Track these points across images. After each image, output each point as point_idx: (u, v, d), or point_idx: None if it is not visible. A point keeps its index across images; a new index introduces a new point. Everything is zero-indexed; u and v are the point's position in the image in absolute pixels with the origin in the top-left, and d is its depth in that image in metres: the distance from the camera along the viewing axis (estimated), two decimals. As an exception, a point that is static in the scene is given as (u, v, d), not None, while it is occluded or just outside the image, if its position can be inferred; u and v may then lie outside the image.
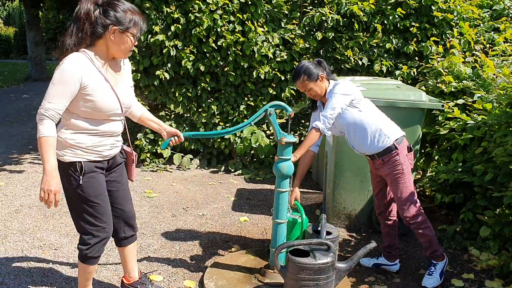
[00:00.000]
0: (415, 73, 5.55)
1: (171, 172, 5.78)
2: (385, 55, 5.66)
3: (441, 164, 4.29)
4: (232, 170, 5.87)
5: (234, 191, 5.13)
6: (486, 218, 3.57)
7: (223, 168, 5.93)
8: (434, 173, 4.71)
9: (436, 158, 4.69)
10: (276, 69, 5.71)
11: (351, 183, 4.07)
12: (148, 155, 5.94)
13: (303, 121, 6.49)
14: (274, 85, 5.80)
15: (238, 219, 4.33)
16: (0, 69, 18.81)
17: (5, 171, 5.59)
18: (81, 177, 2.47)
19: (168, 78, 5.71)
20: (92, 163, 2.52)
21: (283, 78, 5.72)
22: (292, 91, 5.79)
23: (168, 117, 6.11)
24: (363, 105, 3.14)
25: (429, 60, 5.37)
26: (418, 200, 3.16)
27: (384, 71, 5.56)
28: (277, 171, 3.01)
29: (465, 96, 4.25)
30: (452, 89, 4.44)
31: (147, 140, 5.91)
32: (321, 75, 3.14)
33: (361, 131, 3.12)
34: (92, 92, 2.38)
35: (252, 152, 5.91)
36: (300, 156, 3.13)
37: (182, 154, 5.99)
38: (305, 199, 4.96)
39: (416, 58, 5.65)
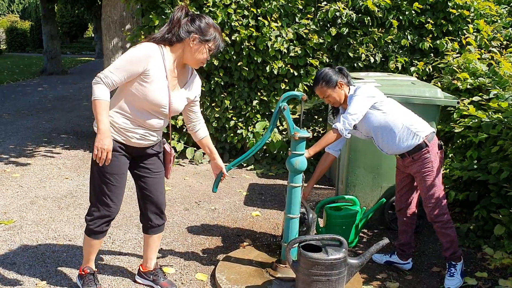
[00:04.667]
0: (430, 70, 5.49)
1: (183, 166, 5.81)
2: (400, 52, 5.61)
3: (455, 162, 4.25)
4: (245, 165, 5.88)
5: (246, 186, 5.14)
6: (500, 216, 3.54)
7: (235, 163, 5.93)
8: (448, 170, 4.67)
9: (450, 156, 4.65)
10: (289, 64, 5.69)
11: (364, 179, 4.06)
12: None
13: (316, 116, 6.48)
14: (287, 80, 5.79)
15: (250, 214, 4.34)
16: (16, 63, 19.04)
17: (21, 163, 5.67)
18: None
19: (181, 73, 5.72)
20: (117, 143, 2.61)
21: (296, 73, 5.71)
22: (306, 87, 5.77)
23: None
24: (387, 106, 3.11)
25: (445, 57, 5.32)
26: (445, 200, 3.14)
27: (399, 68, 5.52)
28: (290, 166, 3.01)
29: (480, 93, 4.21)
30: (468, 86, 4.39)
31: (160, 134, 5.93)
32: (340, 81, 3.14)
33: (389, 132, 3.10)
34: (149, 80, 2.50)
35: (265, 147, 5.91)
36: (314, 153, 3.12)
37: (195, 149, 6.01)
38: (317, 195, 4.95)
39: (432, 55, 5.60)
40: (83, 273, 2.88)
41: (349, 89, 3.19)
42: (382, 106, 3.10)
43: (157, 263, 3.02)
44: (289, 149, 3.04)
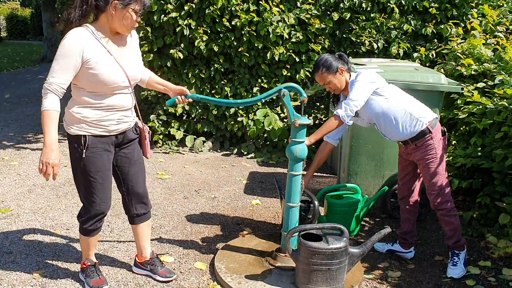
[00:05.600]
0: (434, 56, 5.40)
1: (183, 154, 5.75)
2: (403, 37, 5.51)
3: (459, 149, 4.18)
4: (245, 153, 5.82)
5: (246, 174, 5.09)
6: (505, 204, 3.47)
7: (235, 151, 5.87)
8: (451, 157, 4.60)
9: (453, 143, 4.57)
10: (291, 50, 5.60)
11: (366, 167, 4.00)
12: (161, 137, 5.91)
13: (318, 103, 6.39)
14: (288, 67, 5.70)
15: (250, 202, 4.29)
16: (17, 50, 18.94)
17: (19, 150, 5.62)
18: (84, 150, 2.51)
19: (181, 59, 5.64)
20: (97, 138, 2.54)
21: (298, 59, 5.62)
22: (307, 73, 5.69)
23: (181, 98, 6.04)
24: (389, 91, 3.04)
25: (449, 42, 5.22)
26: (449, 187, 3.08)
27: (401, 54, 5.42)
28: (290, 154, 2.94)
29: (485, 79, 4.12)
30: (472, 72, 4.30)
31: (160, 122, 5.87)
32: (340, 67, 3.06)
33: (391, 119, 3.03)
34: (94, 65, 2.40)
35: (265, 135, 5.84)
36: (315, 141, 3.06)
37: (195, 137, 5.95)
38: (319, 183, 4.90)
39: (435, 40, 5.49)
40: (84, 266, 2.83)
41: (350, 75, 3.12)
42: (384, 91, 3.03)
43: (153, 252, 2.98)
44: (290, 136, 2.97)
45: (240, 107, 5.79)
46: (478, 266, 3.22)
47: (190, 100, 2.84)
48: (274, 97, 5.70)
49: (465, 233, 3.72)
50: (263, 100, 3.00)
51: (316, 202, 3.08)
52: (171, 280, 2.90)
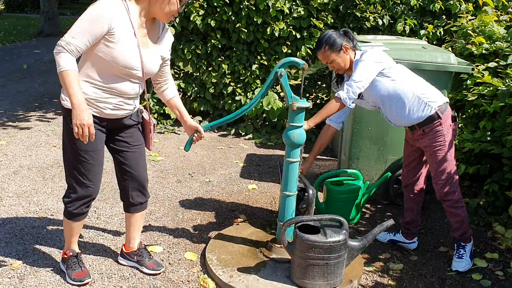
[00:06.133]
0: (442, 33, 5.13)
1: (179, 134, 5.54)
2: (409, 13, 5.23)
3: (466, 133, 3.96)
4: (243, 133, 5.61)
5: (243, 157, 4.88)
6: (515, 193, 3.28)
7: (233, 131, 5.66)
8: (457, 141, 4.38)
9: (461, 126, 4.35)
10: (291, 26, 5.33)
11: (368, 151, 3.79)
12: (156, 116, 5.69)
13: (319, 82, 6.15)
14: (289, 43, 5.43)
15: (246, 187, 4.09)
16: (14, 24, 18.56)
17: (8, 129, 5.40)
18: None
19: (176, 34, 5.38)
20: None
21: (299, 35, 5.35)
22: (309, 50, 5.42)
23: (177, 76, 5.81)
24: (396, 72, 2.81)
25: (458, 19, 4.94)
26: (457, 176, 2.88)
27: (407, 31, 5.15)
28: (287, 139, 2.73)
29: (497, 59, 3.87)
30: (483, 51, 4.05)
31: (155, 100, 5.65)
32: (345, 45, 2.83)
33: (398, 102, 2.82)
34: (116, 39, 2.22)
35: (264, 115, 5.62)
36: (314, 125, 2.85)
37: (191, 116, 5.71)
38: (318, 167, 4.70)
39: (444, 17, 5.21)
40: (65, 256, 2.67)
41: (355, 54, 2.88)
42: (390, 72, 2.80)
43: (141, 243, 2.80)
44: (287, 120, 2.76)
45: (238, 85, 5.55)
46: (484, 259, 3.05)
47: (203, 135, 2.72)
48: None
49: (471, 222, 3.53)
50: (267, 92, 2.80)
51: (311, 191, 2.88)
52: (159, 273, 2.72)
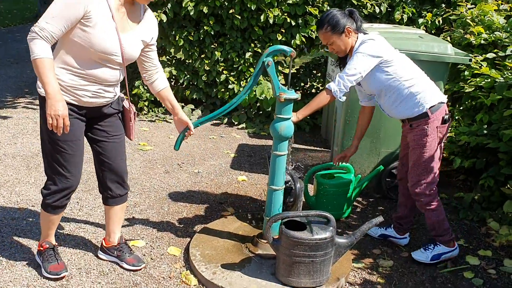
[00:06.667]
0: (440, 22, 4.99)
1: (170, 123, 5.42)
2: (408, 1, 5.09)
3: (463, 125, 3.86)
4: (236, 123, 5.49)
5: (235, 147, 4.77)
6: (510, 188, 3.18)
7: (225, 120, 5.54)
8: (454, 134, 4.28)
9: (457, 118, 4.24)
10: (286, 13, 5.19)
11: (361, 144, 3.64)
12: (147, 103, 5.57)
13: (314, 71, 6.02)
14: (283, 31, 5.29)
15: (236, 178, 3.99)
16: (10, 7, 18.30)
17: (-7, 116, 5.28)
18: None
19: (168, 20, 5.24)
20: (68, 105, 2.21)
21: (293, 23, 5.20)
22: (303, 38, 5.29)
23: (169, 63, 5.68)
24: (394, 67, 2.66)
25: (457, 7, 4.80)
26: (432, 178, 2.75)
27: (405, 19, 5.01)
28: (274, 131, 2.63)
29: (496, 50, 3.75)
30: (482, 41, 3.93)
31: (146, 88, 5.51)
32: (348, 27, 2.66)
33: (392, 95, 2.71)
34: (92, 23, 2.10)
35: (258, 104, 5.50)
36: (303, 117, 2.72)
37: (183, 104, 5.61)
38: (311, 158, 4.60)
39: (443, 5, 5.07)
40: (41, 248, 2.58)
41: (357, 37, 2.72)
42: (388, 67, 2.66)
43: (121, 237, 2.71)
44: (274, 112, 2.65)
45: (231, 73, 5.42)
46: (477, 256, 2.96)
47: (193, 132, 2.66)
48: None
49: (465, 217, 3.45)
50: (256, 83, 2.68)
51: (298, 185, 2.78)
52: (139, 269, 2.63)
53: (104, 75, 2.26)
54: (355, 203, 3.61)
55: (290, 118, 2.62)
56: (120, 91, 2.51)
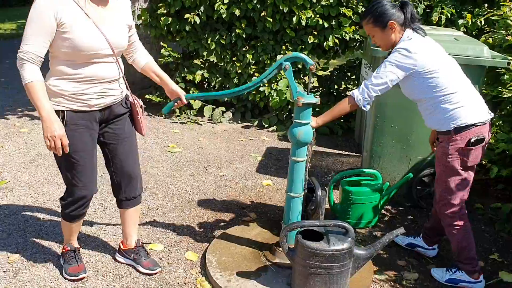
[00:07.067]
0: (482, 23, 4.75)
1: (201, 125, 5.43)
2: (447, 1, 4.87)
3: (502, 132, 3.64)
4: (266, 125, 5.43)
5: (263, 150, 4.71)
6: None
7: (256, 122, 5.49)
8: (493, 140, 4.06)
9: (497, 124, 4.01)
10: (319, 15, 5.08)
11: (390, 149, 3.54)
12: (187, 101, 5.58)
13: (349, 74, 5.88)
14: (316, 33, 5.19)
15: (261, 183, 3.93)
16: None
17: (32, 117, 5.42)
18: None
19: (201, 23, 5.24)
20: (76, 114, 2.25)
21: (327, 25, 5.09)
22: (337, 40, 5.17)
23: (202, 65, 5.69)
24: (434, 76, 2.42)
25: (501, 7, 4.55)
26: (456, 201, 2.55)
27: (444, 21, 4.80)
28: (292, 137, 2.55)
29: (539, 52, 3.52)
30: (524, 43, 3.70)
31: (178, 90, 5.54)
32: (392, 22, 2.45)
33: (423, 104, 2.56)
34: (69, 28, 2.10)
35: (290, 106, 5.42)
36: (323, 123, 2.62)
37: (214, 106, 5.60)
38: (341, 163, 4.48)
39: (485, 5, 4.82)
40: (64, 250, 2.63)
41: (403, 34, 2.48)
42: (426, 77, 2.43)
43: (138, 240, 2.70)
44: (293, 117, 2.57)
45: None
46: (512, 273, 2.77)
47: (185, 102, 2.58)
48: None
49: (501, 230, 3.26)
50: (265, 81, 2.60)
51: (319, 192, 2.69)
52: (155, 273, 2.62)
53: (103, 72, 2.26)
54: (383, 212, 3.48)
55: (309, 123, 2.53)
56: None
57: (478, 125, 2.45)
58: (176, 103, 2.57)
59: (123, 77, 2.42)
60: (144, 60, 2.54)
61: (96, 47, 2.18)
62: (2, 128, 4.96)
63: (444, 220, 2.64)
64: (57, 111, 2.21)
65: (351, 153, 4.77)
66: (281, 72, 2.57)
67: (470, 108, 2.46)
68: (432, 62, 2.44)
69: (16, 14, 15.12)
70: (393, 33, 2.49)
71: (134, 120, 2.53)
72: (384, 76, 2.45)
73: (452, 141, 2.47)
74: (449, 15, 4.81)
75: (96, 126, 2.37)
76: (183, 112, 5.65)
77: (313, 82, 5.81)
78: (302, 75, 5.53)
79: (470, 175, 2.53)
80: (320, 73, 5.79)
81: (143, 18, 5.50)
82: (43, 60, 2.15)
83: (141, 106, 2.52)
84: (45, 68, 2.12)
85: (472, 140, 2.44)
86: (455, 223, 2.59)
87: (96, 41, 2.18)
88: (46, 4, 2.08)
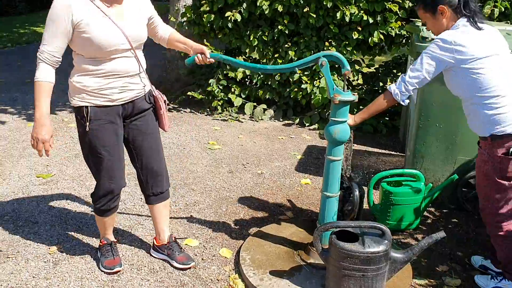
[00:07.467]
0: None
1: (242, 122, 5.43)
2: (502, -7, 4.64)
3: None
4: (307, 124, 5.36)
5: (303, 148, 4.65)
6: None
7: (297, 120, 5.43)
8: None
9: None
10: (364, 10, 4.95)
11: (434, 149, 3.40)
12: (221, 103, 5.62)
13: (394, 70, 5.71)
14: (360, 29, 5.07)
15: (299, 181, 3.87)
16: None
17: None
18: (87, 123, 2.29)
19: (243, 20, 5.24)
20: (100, 109, 2.30)
21: (371, 20, 4.96)
22: (382, 36, 5.02)
23: (245, 62, 5.68)
24: (477, 73, 2.23)
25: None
26: (496, 210, 2.37)
27: (496, 14, 4.56)
28: (328, 135, 2.48)
29: None
30: None
31: (220, 87, 5.57)
32: (441, 7, 2.28)
33: (463, 103, 2.41)
34: (86, 27, 2.14)
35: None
36: (361, 121, 2.53)
37: (255, 104, 5.58)
38: (384, 162, 4.35)
39: (543, -2, 4.56)
40: (101, 244, 2.70)
41: (456, 21, 2.30)
42: (467, 72, 2.25)
43: (171, 236, 2.72)
44: (329, 115, 2.51)
45: (305, 73, 5.30)
46: None
47: (212, 60, 2.54)
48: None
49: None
50: (297, 69, 2.54)
51: (357, 192, 2.61)
52: (189, 268, 2.63)
53: (123, 66, 2.28)
54: (425, 214, 3.35)
55: (345, 121, 2.46)
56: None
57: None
58: (197, 57, 2.52)
59: (145, 71, 2.45)
60: (167, 33, 2.58)
61: (114, 43, 2.21)
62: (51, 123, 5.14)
63: (489, 229, 2.49)
64: (81, 107, 2.27)
65: (395, 153, 4.63)
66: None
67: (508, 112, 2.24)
68: (476, 59, 2.23)
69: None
70: (444, 18, 2.33)
71: (157, 115, 2.55)
72: (420, 68, 2.32)
73: (488, 146, 2.31)
74: (502, 9, 4.58)
75: (120, 121, 2.40)
76: (225, 110, 5.67)
77: (358, 79, 5.68)
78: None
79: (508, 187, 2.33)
80: (365, 70, 5.66)
81: (187, 15, 5.56)
82: (59, 60, 2.22)
83: (164, 101, 2.53)
84: (61, 69, 2.19)
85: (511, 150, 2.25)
86: (500, 233, 2.42)
87: (114, 37, 2.21)
88: (63, 6, 2.12)
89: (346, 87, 2.47)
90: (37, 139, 2.20)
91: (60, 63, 2.23)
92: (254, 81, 5.54)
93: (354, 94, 2.44)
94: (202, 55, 2.50)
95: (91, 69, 2.24)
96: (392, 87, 2.42)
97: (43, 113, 2.19)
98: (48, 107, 2.21)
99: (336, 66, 5.23)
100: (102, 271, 2.58)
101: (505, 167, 2.26)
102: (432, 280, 2.64)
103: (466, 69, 2.25)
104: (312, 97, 5.21)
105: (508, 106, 2.23)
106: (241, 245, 2.85)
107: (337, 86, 2.43)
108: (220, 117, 5.55)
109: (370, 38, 5.05)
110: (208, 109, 5.72)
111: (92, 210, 3.24)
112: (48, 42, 2.16)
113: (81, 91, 2.26)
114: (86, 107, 2.28)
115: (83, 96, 2.27)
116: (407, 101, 2.45)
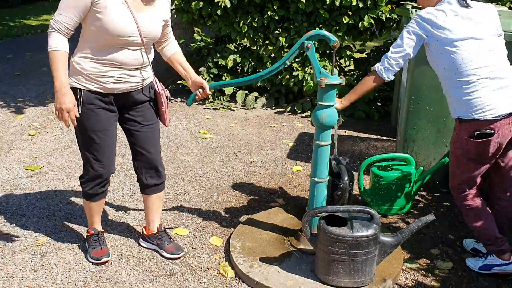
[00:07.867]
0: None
1: (234, 111, 5.38)
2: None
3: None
4: (299, 111, 5.32)
5: (295, 136, 4.62)
6: None
7: (289, 108, 5.39)
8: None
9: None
10: (354, -5, 4.90)
11: (425, 133, 3.38)
12: (213, 91, 5.56)
13: (387, 55, 5.66)
14: (350, 13, 5.01)
15: (291, 169, 3.85)
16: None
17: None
18: (80, 105, 2.25)
19: (232, 6, 5.17)
20: (93, 94, 2.27)
21: (361, 4, 4.90)
22: (372, 20, 4.98)
23: (236, 49, 5.63)
24: (445, 52, 2.24)
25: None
26: (459, 184, 2.47)
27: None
28: (316, 120, 2.46)
29: None
30: None
31: (211, 76, 5.52)
32: None
33: (441, 81, 2.41)
34: (103, 9, 2.10)
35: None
36: (349, 103, 2.51)
37: (246, 92, 5.54)
38: (375, 148, 4.33)
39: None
40: (88, 234, 2.67)
41: None
42: (439, 50, 2.26)
43: (160, 225, 2.70)
44: (316, 99, 2.47)
45: (296, 60, 5.25)
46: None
47: (210, 92, 2.53)
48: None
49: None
50: (288, 62, 2.51)
51: (346, 177, 2.59)
52: (178, 258, 2.61)
53: (125, 58, 2.24)
54: (417, 198, 3.33)
55: (333, 105, 2.43)
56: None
57: (486, 120, 2.22)
58: (198, 93, 2.52)
59: (150, 65, 2.41)
60: (172, 50, 2.53)
61: (124, 33, 2.17)
62: (40, 115, 5.10)
63: (457, 205, 2.55)
64: (75, 89, 2.24)
65: (387, 138, 4.60)
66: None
67: (486, 101, 2.21)
68: (450, 38, 2.22)
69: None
70: None
71: (158, 110, 2.51)
72: (401, 43, 2.33)
73: (458, 129, 2.35)
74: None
75: (114, 108, 2.37)
76: (216, 98, 5.63)
77: (349, 65, 5.64)
78: (338, 58, 5.38)
79: (478, 167, 2.36)
80: (356, 55, 5.61)
81: (175, 2, 5.48)
82: (72, 32, 2.17)
83: (167, 97, 2.50)
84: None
85: (479, 133, 2.24)
86: (464, 203, 2.49)
87: (126, 26, 2.16)
88: None
89: (335, 65, 2.45)
90: (61, 110, 2.15)
91: (72, 35, 2.19)
92: (245, 69, 5.49)
93: (341, 77, 2.41)
94: (201, 90, 2.49)
95: (92, 53, 2.21)
96: (377, 66, 2.42)
97: (63, 82, 2.14)
98: (67, 76, 2.17)
99: (327, 52, 5.20)
100: (89, 262, 2.56)
101: (470, 149, 2.31)
102: (423, 264, 2.63)
103: (439, 48, 2.27)
104: (304, 84, 5.17)
105: (478, 92, 2.22)
106: (232, 233, 2.83)
107: (324, 70, 2.39)
108: (211, 106, 5.51)
109: (360, 22, 4.99)
110: (199, 98, 5.66)
111: (81, 200, 3.22)
112: (64, 13, 2.11)
113: (78, 73, 2.24)
114: (80, 90, 2.25)
115: (79, 78, 2.24)
116: (392, 76, 2.41)
